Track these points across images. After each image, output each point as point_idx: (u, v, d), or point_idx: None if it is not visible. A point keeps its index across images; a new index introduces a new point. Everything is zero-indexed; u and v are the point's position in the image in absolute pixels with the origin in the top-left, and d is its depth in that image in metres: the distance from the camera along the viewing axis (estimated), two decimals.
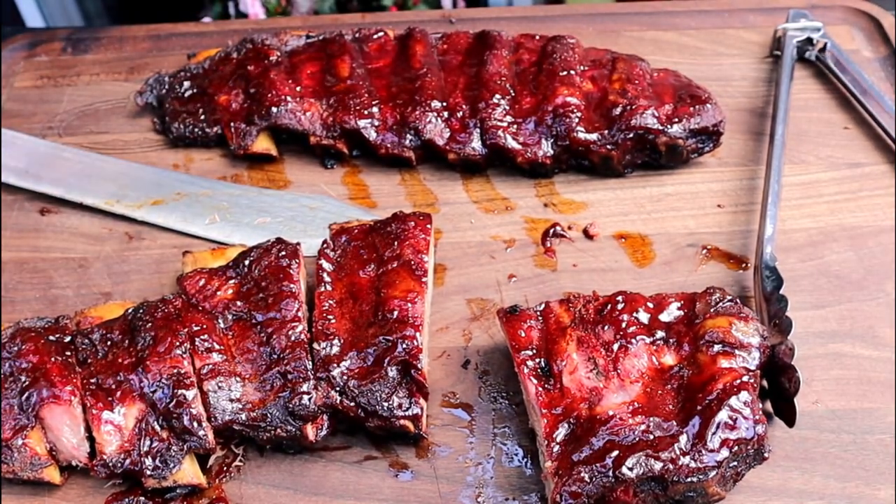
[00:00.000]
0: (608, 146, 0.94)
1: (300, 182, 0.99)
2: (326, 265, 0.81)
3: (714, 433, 0.68)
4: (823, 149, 1.00)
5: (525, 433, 0.77)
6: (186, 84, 1.05)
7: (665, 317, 0.76)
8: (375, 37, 1.04)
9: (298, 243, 0.82)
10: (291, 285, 0.78)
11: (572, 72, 0.97)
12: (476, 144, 0.95)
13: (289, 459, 0.77)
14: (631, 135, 0.94)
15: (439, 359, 0.83)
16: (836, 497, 0.73)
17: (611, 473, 0.67)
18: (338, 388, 0.74)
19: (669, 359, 0.74)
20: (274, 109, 0.97)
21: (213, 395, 0.73)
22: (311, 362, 0.75)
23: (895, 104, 1.01)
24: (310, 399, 0.73)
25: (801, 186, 0.96)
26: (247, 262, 0.80)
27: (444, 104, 0.96)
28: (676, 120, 0.94)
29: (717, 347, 0.72)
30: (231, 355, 0.75)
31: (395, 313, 0.76)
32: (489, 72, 0.98)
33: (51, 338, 0.76)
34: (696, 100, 0.96)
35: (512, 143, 0.94)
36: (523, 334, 0.76)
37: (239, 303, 0.78)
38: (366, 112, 0.96)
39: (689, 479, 0.67)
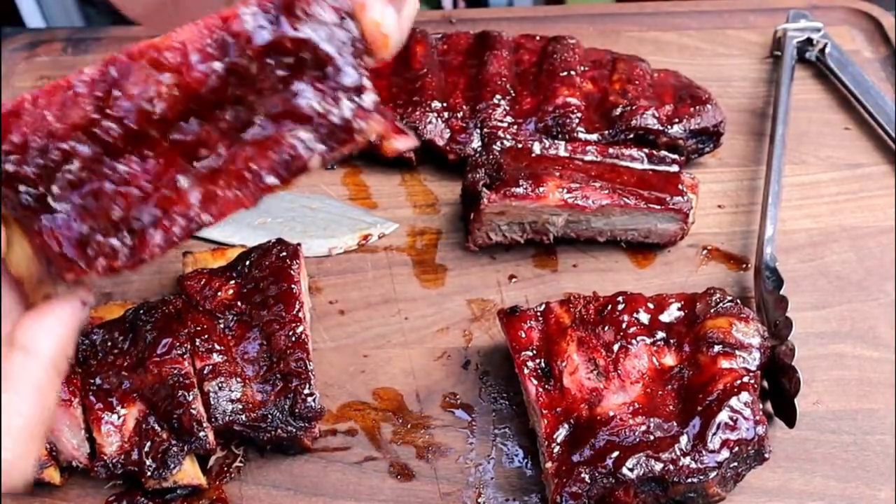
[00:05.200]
0: None
1: (300, 182, 0.97)
2: None
3: (714, 434, 0.68)
4: (824, 149, 1.00)
5: (525, 434, 0.77)
6: None
7: (665, 317, 0.76)
8: None
9: (299, 244, 0.82)
10: (292, 286, 0.78)
11: (573, 72, 0.97)
12: (476, 145, 0.95)
13: (289, 460, 0.77)
14: (631, 135, 0.94)
15: (440, 359, 0.83)
16: (837, 498, 0.73)
17: (611, 474, 0.67)
18: None
19: (670, 359, 0.74)
20: None
21: (214, 396, 0.73)
22: (311, 363, 0.75)
23: (895, 104, 1.01)
24: (313, 400, 0.73)
25: (801, 187, 0.96)
26: (247, 263, 0.80)
27: (445, 105, 0.96)
28: (677, 120, 0.94)
29: (717, 348, 0.73)
30: (231, 356, 0.75)
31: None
32: (489, 72, 0.98)
33: None
34: (697, 100, 0.96)
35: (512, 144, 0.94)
36: (524, 335, 0.76)
37: (239, 303, 0.78)
38: None
39: (689, 480, 0.67)
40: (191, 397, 0.72)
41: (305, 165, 0.51)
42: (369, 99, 0.50)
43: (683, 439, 0.68)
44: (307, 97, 0.48)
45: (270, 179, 0.50)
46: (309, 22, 0.47)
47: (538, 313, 0.77)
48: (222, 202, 0.49)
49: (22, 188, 0.46)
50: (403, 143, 0.52)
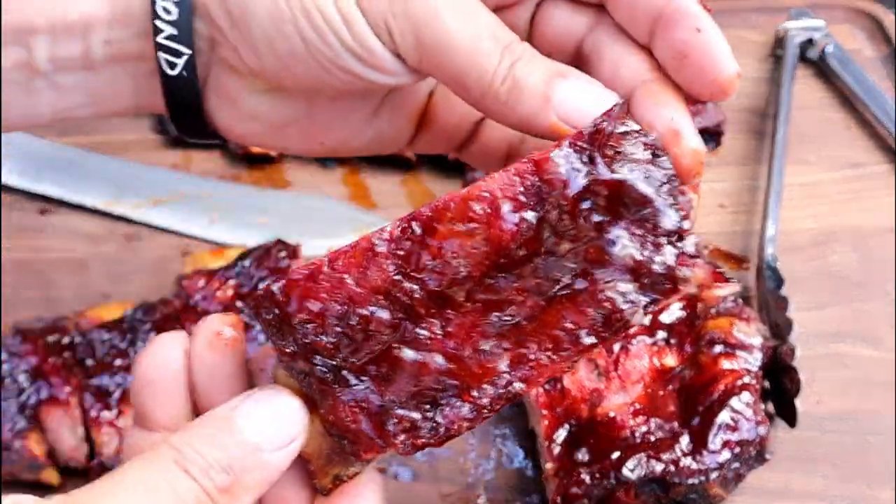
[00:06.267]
0: None
1: (300, 182, 0.99)
2: None
3: (716, 434, 0.68)
4: (825, 149, 1.00)
5: (526, 434, 0.77)
6: None
7: (666, 317, 0.76)
8: None
9: (299, 244, 0.82)
10: None
11: None
12: None
13: None
14: None
15: None
16: (838, 498, 0.73)
17: (612, 475, 0.67)
18: None
19: (671, 360, 0.74)
20: None
21: None
22: None
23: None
24: None
25: (802, 186, 0.96)
26: (247, 263, 0.80)
27: None
28: None
29: (718, 348, 0.72)
30: None
31: None
32: None
33: (50, 339, 0.76)
34: (698, 99, 0.96)
35: None
36: None
37: (239, 304, 0.77)
38: None
39: (690, 481, 0.67)
40: None
41: (626, 321, 0.43)
42: (691, 244, 0.44)
43: (684, 440, 0.68)
44: (625, 245, 0.42)
45: (588, 339, 0.43)
46: (622, 161, 0.42)
47: None
48: (535, 367, 0.43)
49: (318, 360, 0.41)
50: (726, 290, 0.45)
